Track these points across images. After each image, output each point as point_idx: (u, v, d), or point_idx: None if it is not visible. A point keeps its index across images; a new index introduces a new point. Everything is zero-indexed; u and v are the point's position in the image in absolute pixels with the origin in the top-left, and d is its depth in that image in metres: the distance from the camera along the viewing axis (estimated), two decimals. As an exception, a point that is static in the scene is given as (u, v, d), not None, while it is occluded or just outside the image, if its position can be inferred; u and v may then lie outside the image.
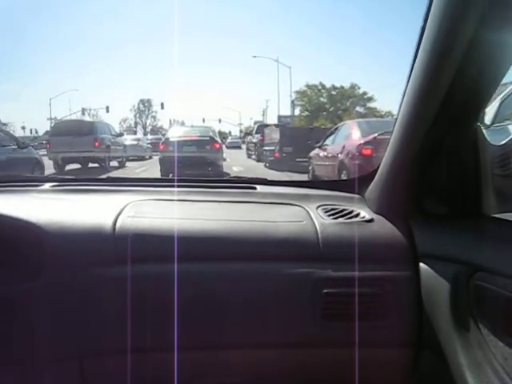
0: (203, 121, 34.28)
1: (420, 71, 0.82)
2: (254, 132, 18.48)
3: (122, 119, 45.15)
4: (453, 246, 0.92)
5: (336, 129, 8.19)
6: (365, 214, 1.11)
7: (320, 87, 33.99)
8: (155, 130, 39.52)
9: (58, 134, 12.20)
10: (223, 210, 1.16)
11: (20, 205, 1.06)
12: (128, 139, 17.76)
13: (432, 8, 0.74)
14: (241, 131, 37.62)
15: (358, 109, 32.70)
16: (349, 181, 1.45)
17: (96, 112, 34.27)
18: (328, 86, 33.80)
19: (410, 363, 1.01)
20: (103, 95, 70.40)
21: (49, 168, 10.73)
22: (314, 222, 1.06)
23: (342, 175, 6.26)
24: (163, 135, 18.31)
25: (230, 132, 40.26)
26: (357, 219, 1.09)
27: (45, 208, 1.07)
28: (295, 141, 11.51)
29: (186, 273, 0.95)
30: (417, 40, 0.81)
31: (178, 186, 1.32)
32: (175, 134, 11.18)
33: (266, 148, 13.27)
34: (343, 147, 6.68)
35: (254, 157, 16.57)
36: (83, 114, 29.56)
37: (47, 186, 1.30)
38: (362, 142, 5.90)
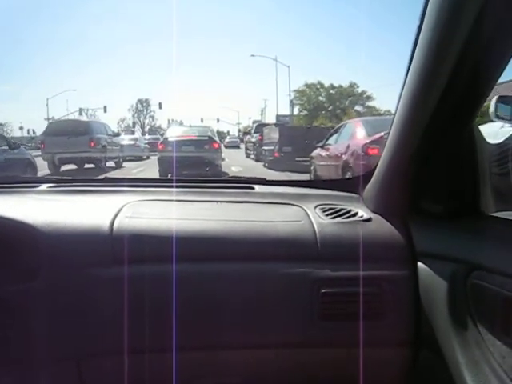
0: (201, 120, 34.40)
1: (416, 70, 0.81)
2: (252, 131, 18.40)
3: (120, 119, 45.22)
4: (450, 245, 0.92)
5: (339, 128, 7.90)
6: (363, 213, 1.11)
7: (318, 86, 33.88)
8: (153, 130, 39.46)
9: (52, 134, 11.93)
10: (221, 210, 1.16)
11: (17, 206, 1.06)
12: (125, 139, 17.57)
13: (428, 7, 0.74)
14: (239, 131, 37.67)
15: (356, 108, 32.74)
16: (347, 180, 1.49)
17: (94, 112, 34.17)
18: (326, 85, 33.75)
19: (408, 362, 1.01)
20: (101, 95, 70.67)
21: (43, 169, 10.56)
22: (311, 222, 1.06)
23: (347, 176, 6.03)
24: (161, 135, 18.23)
25: (228, 132, 40.40)
26: (355, 219, 1.09)
27: (42, 209, 1.06)
28: (295, 140, 11.43)
29: (184, 273, 0.94)
30: (413, 39, 0.80)
31: (176, 187, 1.31)
32: (174, 133, 11.12)
33: (265, 148, 13.22)
34: (347, 147, 6.41)
35: (252, 156, 16.50)
36: (80, 113, 29.38)
37: (44, 187, 1.29)
38: (368, 141, 5.62)
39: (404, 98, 0.89)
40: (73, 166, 11.91)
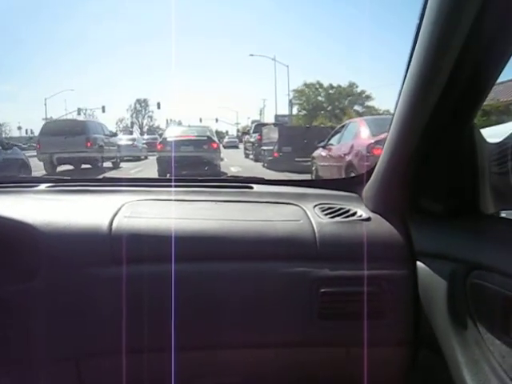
0: (200, 120, 34.45)
1: (416, 69, 0.81)
2: (251, 131, 18.36)
3: (118, 119, 45.25)
4: (450, 244, 0.92)
5: (342, 127, 7.70)
6: (362, 212, 1.11)
7: (318, 86, 33.76)
8: (152, 130, 39.37)
9: (48, 134, 11.77)
10: (220, 209, 1.15)
11: (15, 206, 1.06)
12: (123, 139, 17.50)
13: (428, 3, 0.73)
14: (238, 131, 37.63)
15: (356, 107, 32.61)
16: (346, 180, 1.48)
17: (92, 112, 34.05)
18: (326, 85, 33.62)
19: (407, 362, 1.01)
20: (100, 95, 70.77)
21: (39, 170, 10.37)
22: (310, 221, 1.06)
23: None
24: (160, 135, 18.13)
25: (227, 131, 40.38)
26: (354, 218, 1.08)
27: (40, 209, 1.06)
28: (294, 140, 11.36)
29: (183, 273, 0.94)
30: (413, 37, 0.79)
31: (175, 186, 1.31)
32: (173, 133, 11.12)
33: (265, 148, 13.19)
34: (351, 147, 6.20)
35: (251, 156, 16.47)
36: (79, 113, 29.20)
37: (43, 186, 1.28)
38: (373, 141, 5.43)
39: (403, 96, 0.88)
40: (69, 167, 11.77)
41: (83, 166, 11.84)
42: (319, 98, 34.22)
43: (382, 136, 5.16)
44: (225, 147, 22.16)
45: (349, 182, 1.30)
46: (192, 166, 8.53)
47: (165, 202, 1.19)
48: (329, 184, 1.35)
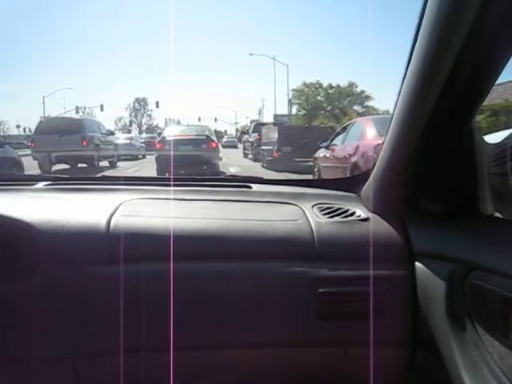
0: (199, 120, 34.44)
1: (416, 69, 0.81)
2: (250, 131, 18.24)
3: (117, 118, 45.14)
4: (448, 245, 0.91)
5: (346, 127, 7.41)
6: (360, 212, 1.10)
7: (317, 86, 33.60)
8: (151, 129, 39.26)
9: (43, 133, 11.58)
10: (219, 209, 1.15)
11: (13, 204, 1.05)
12: (121, 138, 17.32)
13: (428, 4, 0.73)
14: (237, 130, 37.55)
15: (355, 107, 32.47)
16: (344, 179, 1.48)
17: (91, 111, 33.81)
18: (325, 84, 33.46)
19: (405, 362, 1.01)
20: (99, 94, 70.51)
21: (35, 169, 10.15)
22: (309, 221, 1.05)
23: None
24: (158, 134, 18.03)
25: (225, 131, 40.36)
26: (352, 218, 1.08)
27: (38, 207, 1.05)
28: (294, 140, 11.25)
29: (181, 272, 0.94)
30: (412, 37, 0.79)
31: (174, 185, 1.31)
32: (172, 132, 11.10)
33: (264, 147, 13.12)
34: (356, 148, 5.90)
35: (250, 156, 16.42)
36: (77, 112, 28.91)
37: (41, 184, 1.28)
38: (380, 142, 5.18)
39: (403, 96, 0.87)
40: (65, 166, 11.58)
41: (79, 165, 11.69)
42: (318, 98, 34.12)
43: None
44: (224, 147, 22.20)
45: (347, 182, 1.30)
46: (191, 165, 8.52)
47: (163, 200, 1.18)
48: (327, 184, 1.34)
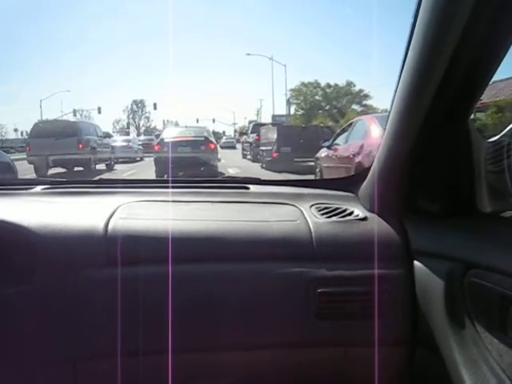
0: (197, 121, 34.35)
1: (411, 68, 0.81)
2: (249, 131, 18.13)
3: (115, 120, 45.04)
4: (447, 243, 0.91)
5: (349, 126, 7.13)
6: (358, 212, 1.10)
7: (315, 85, 33.50)
8: (149, 131, 39.20)
9: (38, 136, 11.37)
10: (216, 210, 1.14)
11: (11, 208, 1.05)
12: (118, 140, 17.21)
13: (422, 3, 0.73)
14: (235, 131, 37.43)
15: (354, 106, 32.33)
16: (342, 179, 1.46)
17: (89, 113, 33.60)
18: (323, 84, 33.36)
19: (405, 361, 1.01)
20: (97, 96, 70.00)
21: (29, 174, 9.95)
22: (307, 221, 1.05)
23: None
24: (156, 136, 17.95)
25: (224, 132, 40.26)
26: (350, 218, 1.08)
27: (36, 211, 1.05)
28: (293, 140, 11.17)
29: (179, 274, 0.93)
30: (407, 35, 0.79)
31: (172, 187, 1.30)
32: (170, 134, 11.10)
33: (263, 148, 13.08)
34: (361, 147, 5.64)
35: (249, 157, 16.31)
36: (74, 114, 28.54)
37: (38, 188, 1.27)
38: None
39: (399, 95, 0.87)
40: (61, 170, 11.39)
41: (76, 168, 11.51)
42: (317, 98, 33.99)
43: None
44: (222, 148, 22.11)
45: (345, 182, 1.30)
46: (189, 167, 8.49)
47: (161, 203, 1.18)
48: (325, 184, 1.34)
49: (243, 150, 18.30)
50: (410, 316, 0.97)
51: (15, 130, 33.73)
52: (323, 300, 0.96)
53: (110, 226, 0.98)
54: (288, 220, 1.06)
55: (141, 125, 46.72)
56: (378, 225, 1.05)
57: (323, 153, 7.50)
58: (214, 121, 39.22)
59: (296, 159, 10.52)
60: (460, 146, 0.93)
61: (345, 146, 6.61)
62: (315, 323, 0.96)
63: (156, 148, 10.45)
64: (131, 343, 0.91)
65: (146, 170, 10.49)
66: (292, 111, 32.91)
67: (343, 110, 29.67)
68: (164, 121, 43.11)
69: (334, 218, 1.07)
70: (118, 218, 1.02)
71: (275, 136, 11.75)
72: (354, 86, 33.15)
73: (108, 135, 15.06)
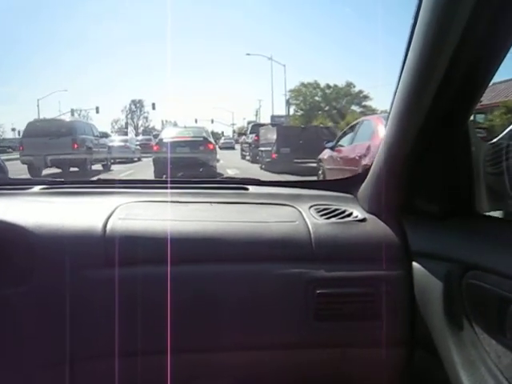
0: (196, 121, 34.29)
1: (411, 68, 0.81)
2: (248, 132, 17.97)
3: (113, 120, 44.87)
4: (445, 245, 0.91)
5: (354, 126, 6.89)
6: (357, 213, 1.10)
7: (315, 86, 33.37)
8: (147, 131, 39.07)
9: (31, 135, 11.09)
10: (215, 211, 1.14)
11: (9, 208, 1.05)
12: (116, 140, 17.01)
13: (422, 3, 0.73)
14: (234, 131, 37.25)
15: (353, 107, 32.16)
16: (341, 180, 1.46)
17: (87, 113, 33.33)
18: (322, 84, 33.22)
19: (403, 362, 1.01)
20: (95, 96, 69.89)
21: (22, 174, 9.69)
22: (306, 222, 1.05)
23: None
24: (154, 136, 17.83)
25: (222, 132, 40.15)
26: (349, 219, 1.08)
27: (34, 211, 1.05)
28: (293, 141, 11.08)
29: (178, 275, 0.93)
30: (408, 36, 0.79)
31: (170, 188, 1.30)
32: (169, 134, 11.10)
33: (262, 149, 12.99)
34: (368, 148, 5.37)
35: (248, 158, 16.22)
36: (72, 114, 28.24)
37: (37, 188, 1.27)
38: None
39: (399, 96, 0.87)
40: (55, 170, 11.12)
41: (71, 169, 11.23)
42: (316, 98, 33.81)
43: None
44: (221, 148, 22.01)
45: (344, 183, 1.31)
46: (188, 167, 8.47)
47: (160, 203, 1.17)
48: (324, 185, 1.35)
49: (242, 150, 18.22)
50: (409, 317, 0.97)
51: (13, 130, 33.49)
52: (322, 301, 0.96)
53: (109, 227, 0.98)
54: (287, 221, 1.06)
55: (139, 125, 46.67)
56: (376, 226, 1.05)
57: (326, 154, 7.25)
58: (212, 121, 39.14)
59: (296, 160, 10.44)
60: (459, 148, 0.92)
61: (350, 147, 6.35)
62: (314, 324, 0.96)
63: (155, 148, 10.46)
64: (129, 344, 0.91)
65: (144, 170, 10.40)
66: (291, 112, 32.78)
67: (343, 110, 29.50)
68: (162, 121, 43.05)
69: (333, 219, 1.07)
70: (117, 218, 1.02)
71: (274, 137, 11.66)
72: (354, 86, 33.11)
73: (105, 135, 14.84)
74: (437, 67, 0.76)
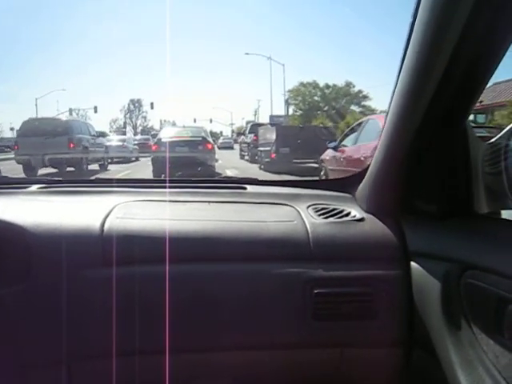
0: (194, 121, 34.26)
1: (410, 67, 0.81)
2: (247, 132, 17.80)
3: (112, 119, 44.76)
4: (443, 245, 0.91)
5: (359, 126, 6.64)
6: (355, 213, 1.10)
7: (314, 85, 33.29)
8: (146, 131, 38.99)
9: (27, 135, 10.89)
10: (214, 210, 1.14)
11: (6, 207, 1.04)
12: (113, 140, 16.92)
13: (421, 4, 0.73)
14: (233, 131, 37.17)
15: (352, 107, 32.07)
16: (339, 180, 1.46)
17: (85, 112, 33.12)
18: (322, 84, 33.15)
19: (401, 362, 1.01)
20: (93, 96, 69.80)
21: (17, 174, 9.47)
22: (304, 222, 1.05)
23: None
24: (152, 136, 17.73)
25: (221, 132, 40.06)
26: (347, 218, 1.08)
27: (32, 210, 1.04)
28: (292, 140, 11.01)
29: (176, 274, 0.93)
30: (406, 34, 0.79)
31: (169, 187, 1.30)
32: (167, 134, 11.12)
33: (261, 148, 12.93)
34: (374, 149, 5.23)
35: (247, 158, 16.18)
36: (70, 113, 28.02)
37: (34, 187, 1.26)
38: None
39: (397, 95, 0.88)
40: (51, 170, 10.93)
41: (67, 168, 11.02)
42: (315, 98, 33.71)
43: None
44: (219, 148, 21.92)
45: (342, 183, 1.31)
46: (187, 167, 8.39)
47: (158, 202, 1.17)
48: (322, 184, 1.35)
49: (241, 150, 18.12)
50: (407, 317, 0.97)
51: (11, 129, 33.23)
52: (320, 301, 0.95)
53: (107, 226, 0.98)
54: (285, 220, 1.06)
55: (138, 124, 46.51)
56: (375, 226, 1.05)
57: (329, 154, 7.04)
58: (211, 121, 38.99)
59: (295, 160, 10.38)
60: (458, 147, 0.93)
61: (354, 147, 6.11)
62: (312, 324, 0.96)
63: (153, 148, 10.45)
64: (128, 343, 0.90)
65: (142, 170, 10.33)
66: (290, 112, 32.65)
67: (342, 110, 29.38)
68: (161, 120, 42.88)
69: (331, 219, 1.07)
70: (115, 217, 1.01)
71: (274, 136, 11.57)
72: (354, 86, 33.03)
73: (102, 134, 14.61)
74: (435, 66, 0.76)
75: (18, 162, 10.58)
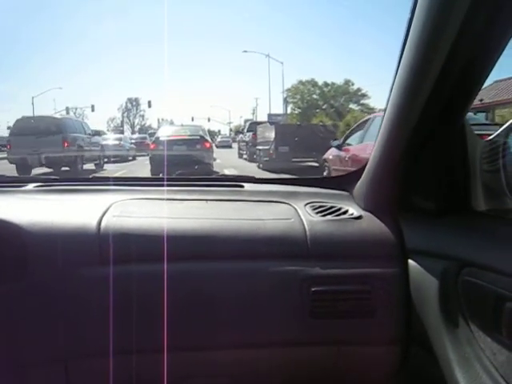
0: (192, 119, 34.13)
1: (407, 65, 0.80)
2: (245, 130, 17.61)
3: (109, 118, 44.56)
4: (441, 242, 0.91)
5: (364, 123, 6.43)
6: (353, 210, 1.10)
7: (312, 84, 33.13)
8: (144, 129, 38.79)
9: (19, 134, 10.58)
10: (211, 208, 1.14)
11: (2, 206, 1.04)
12: (110, 139, 16.67)
13: (418, 2, 0.73)
14: (231, 130, 37.04)
15: (351, 105, 31.96)
16: (337, 178, 1.45)
17: (82, 111, 32.80)
18: (320, 83, 32.98)
19: (399, 360, 1.01)
20: (91, 94, 69.49)
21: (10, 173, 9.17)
22: (302, 220, 1.05)
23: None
24: (149, 134, 17.59)
25: (219, 131, 39.95)
26: (345, 216, 1.08)
27: (28, 208, 1.04)
28: (291, 139, 10.94)
29: (173, 272, 0.93)
30: (404, 31, 0.79)
31: (167, 185, 1.29)
32: (165, 133, 11.10)
33: (260, 147, 12.79)
34: None
35: (245, 156, 16.09)
36: (68, 112, 27.76)
37: (31, 186, 1.26)
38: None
39: (394, 93, 0.87)
40: (46, 170, 10.66)
41: (62, 168, 10.80)
42: (314, 96, 33.57)
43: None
44: (218, 147, 21.85)
45: (340, 181, 1.30)
46: (185, 166, 8.42)
47: (155, 201, 1.16)
48: (320, 182, 1.34)
49: (239, 149, 18.02)
50: (405, 315, 0.97)
51: (8, 128, 32.95)
52: (317, 299, 0.95)
53: (103, 224, 0.97)
54: (282, 218, 1.06)
55: (135, 123, 46.29)
56: (372, 223, 1.05)
57: (332, 154, 6.81)
58: (209, 119, 38.90)
59: (294, 159, 10.34)
60: (455, 145, 0.92)
61: (360, 146, 5.87)
62: (309, 322, 0.95)
63: (152, 146, 10.45)
64: (125, 342, 0.90)
65: (140, 170, 10.30)
66: (289, 110, 32.47)
67: (340, 109, 29.22)
68: (159, 119, 42.81)
69: (329, 217, 1.07)
70: (111, 215, 1.01)
71: (272, 135, 11.48)
72: (352, 84, 32.95)
73: (97, 133, 14.33)
74: (433, 63, 0.76)
75: (11, 162, 10.34)
